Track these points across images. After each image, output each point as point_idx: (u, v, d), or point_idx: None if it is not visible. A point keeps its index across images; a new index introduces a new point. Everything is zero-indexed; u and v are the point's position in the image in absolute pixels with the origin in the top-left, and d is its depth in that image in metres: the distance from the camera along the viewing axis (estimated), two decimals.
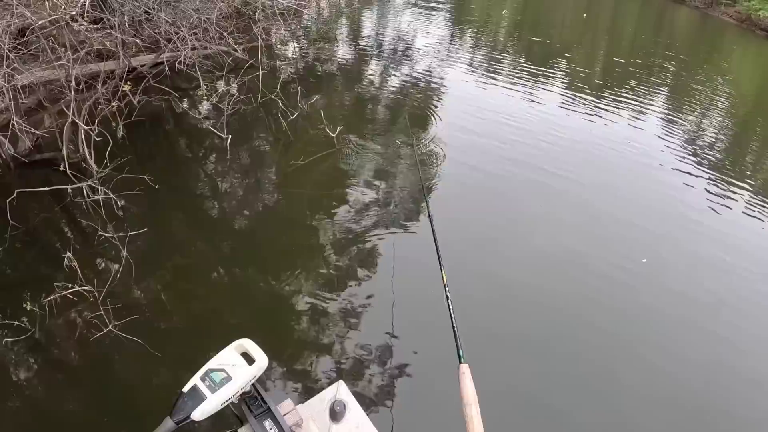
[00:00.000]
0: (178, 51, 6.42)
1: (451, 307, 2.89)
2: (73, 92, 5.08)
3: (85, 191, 4.70)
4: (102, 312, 3.37)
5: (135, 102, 6.06)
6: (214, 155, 6.09)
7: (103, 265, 4.10)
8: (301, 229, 5.13)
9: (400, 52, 11.33)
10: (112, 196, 4.63)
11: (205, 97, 6.36)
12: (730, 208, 6.79)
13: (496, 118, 8.35)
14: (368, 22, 13.06)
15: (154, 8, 6.24)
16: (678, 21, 21.80)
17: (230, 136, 6.05)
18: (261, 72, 7.15)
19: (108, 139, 5.17)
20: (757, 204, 7.13)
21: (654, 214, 6.36)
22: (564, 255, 5.19)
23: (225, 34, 7.43)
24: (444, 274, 3.13)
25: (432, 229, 3.55)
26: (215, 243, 4.77)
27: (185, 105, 6.72)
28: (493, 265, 4.94)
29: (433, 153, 6.85)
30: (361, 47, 11.16)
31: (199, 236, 4.84)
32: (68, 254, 3.80)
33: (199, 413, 1.92)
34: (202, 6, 6.88)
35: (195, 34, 6.75)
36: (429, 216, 3.77)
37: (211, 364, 2.07)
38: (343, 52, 10.67)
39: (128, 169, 5.01)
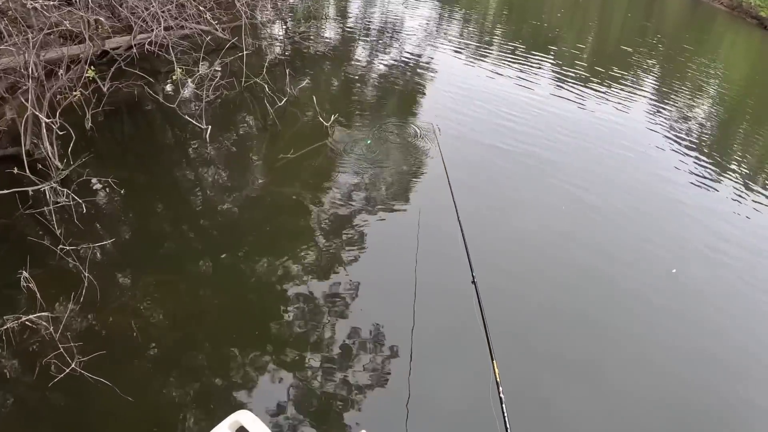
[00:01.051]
0: (151, 31, 5.76)
1: (505, 413, 2.41)
2: (31, 80, 4.43)
3: (48, 195, 4.11)
4: (62, 350, 2.83)
5: (104, 89, 5.41)
6: (191, 149, 5.47)
7: (64, 285, 3.51)
8: (291, 236, 4.59)
9: (391, 32, 10.71)
10: (77, 200, 4.04)
11: (182, 83, 5.70)
12: (717, 190, 6.76)
13: (489, 101, 7.97)
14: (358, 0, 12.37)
15: None
16: (669, 6, 21.44)
17: (209, 126, 5.45)
18: (245, 53, 6.53)
19: (72, 134, 4.55)
20: (744, 188, 7.07)
21: (648, 200, 6.20)
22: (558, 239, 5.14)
23: (204, 11, 6.76)
24: (496, 368, 2.63)
25: (483, 321, 2.88)
26: (194, 255, 4.17)
27: (160, 92, 6.06)
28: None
29: (434, 139, 6.39)
30: (351, 26, 10.51)
31: (176, 247, 4.26)
32: (25, 273, 3.24)
33: None
34: None
35: (169, 11, 6.08)
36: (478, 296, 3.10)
37: None
38: (332, 31, 10.01)
39: (92, 169, 4.46)
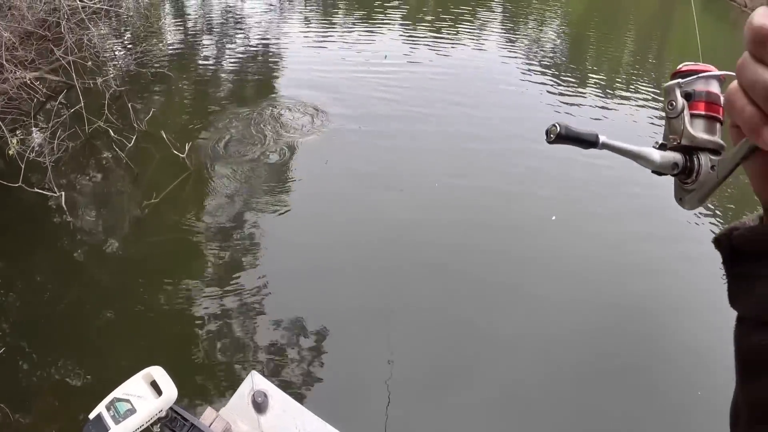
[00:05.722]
0: None
1: None
2: None
3: None
4: None
5: None
6: (53, 222, 5.42)
7: None
8: (176, 284, 4.83)
9: (232, 25, 10.60)
10: None
11: (20, 154, 5.48)
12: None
13: (346, 69, 8.55)
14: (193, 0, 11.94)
15: None
16: None
17: (63, 192, 5.37)
18: (82, 103, 6.31)
19: None
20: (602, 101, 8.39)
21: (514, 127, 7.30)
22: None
23: (25, 63, 6.42)
24: None
25: None
26: (88, 326, 4.36)
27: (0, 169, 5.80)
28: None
29: (295, 124, 7.00)
30: (191, 31, 10.25)
31: (65, 324, 4.40)
32: None
33: None
34: None
35: None
36: None
37: (117, 392, 2.07)
38: (171, 43, 9.72)
39: None
